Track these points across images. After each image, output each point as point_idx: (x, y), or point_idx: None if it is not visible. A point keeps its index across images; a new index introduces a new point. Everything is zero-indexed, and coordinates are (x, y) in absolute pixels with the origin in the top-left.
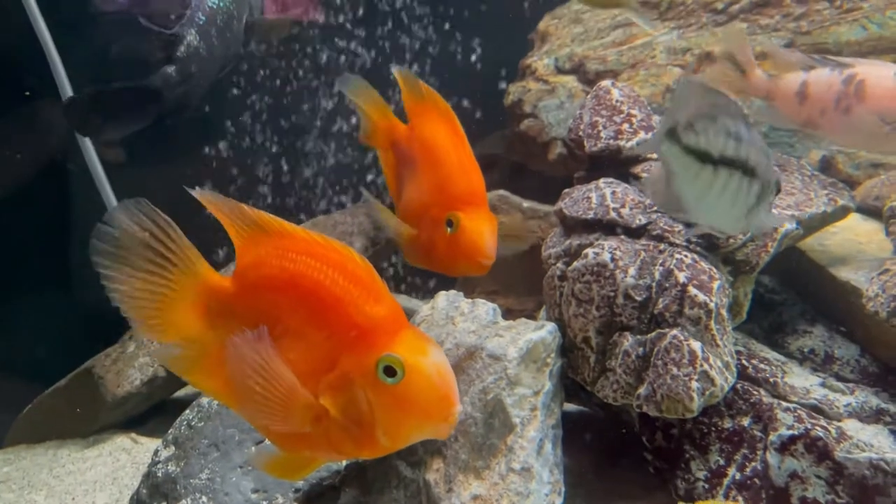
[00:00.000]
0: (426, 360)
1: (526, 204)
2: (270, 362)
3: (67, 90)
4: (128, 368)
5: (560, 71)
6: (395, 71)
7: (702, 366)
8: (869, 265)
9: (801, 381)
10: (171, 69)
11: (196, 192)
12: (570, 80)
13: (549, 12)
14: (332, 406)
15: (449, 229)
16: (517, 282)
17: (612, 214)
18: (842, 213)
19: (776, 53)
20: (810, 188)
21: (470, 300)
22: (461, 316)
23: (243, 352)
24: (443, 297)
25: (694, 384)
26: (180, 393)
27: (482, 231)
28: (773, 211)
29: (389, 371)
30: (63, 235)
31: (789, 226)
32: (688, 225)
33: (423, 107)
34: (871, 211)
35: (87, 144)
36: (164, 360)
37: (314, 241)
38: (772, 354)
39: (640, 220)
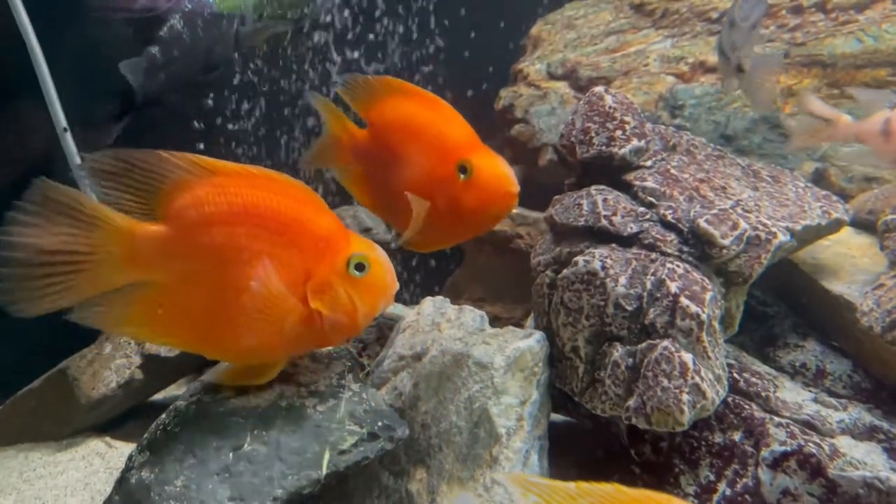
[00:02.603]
0: (378, 252)
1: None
2: (271, 282)
3: (50, 87)
4: (104, 370)
5: (552, 76)
6: (338, 89)
7: (693, 378)
8: (862, 279)
9: (793, 395)
10: (154, 50)
11: (100, 154)
12: (562, 86)
13: (542, 17)
14: (323, 307)
15: (462, 176)
16: (504, 289)
17: (604, 222)
18: (836, 226)
19: (859, 94)
20: (804, 200)
21: (457, 307)
22: (447, 322)
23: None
24: (429, 303)
25: (685, 397)
26: (158, 396)
27: (497, 163)
28: (768, 221)
29: (359, 266)
30: None
31: (783, 237)
32: (679, 235)
33: (375, 97)
34: (864, 224)
35: (69, 143)
36: (95, 320)
37: (251, 173)
38: (763, 368)
39: (632, 228)
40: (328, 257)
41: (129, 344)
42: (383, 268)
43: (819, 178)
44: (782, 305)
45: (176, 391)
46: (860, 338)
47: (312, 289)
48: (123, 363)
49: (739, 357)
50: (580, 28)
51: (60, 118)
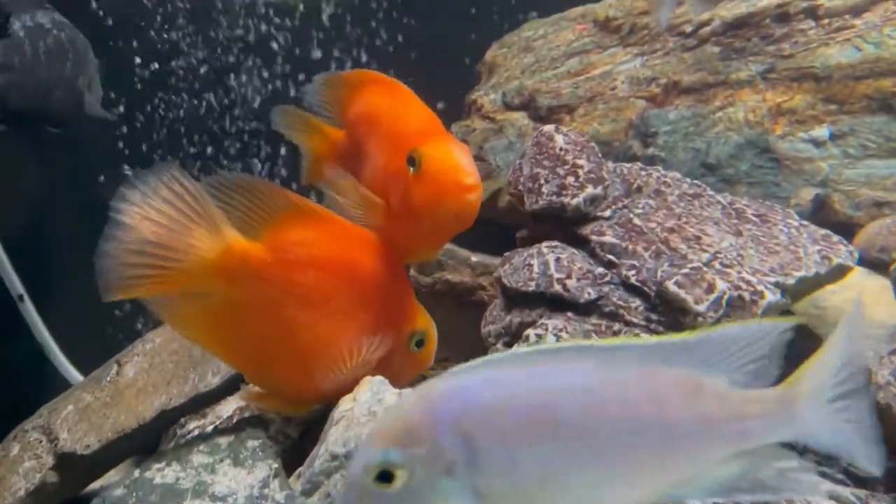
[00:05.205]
0: (434, 329)
1: (475, 258)
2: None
3: None
4: (10, 475)
5: (508, 107)
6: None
7: None
8: (877, 335)
9: None
10: None
11: (231, 175)
12: (520, 118)
13: (498, 40)
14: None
15: (412, 169)
16: (468, 346)
17: (557, 287)
18: (838, 273)
19: None
20: (798, 243)
21: (397, 391)
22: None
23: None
24: (366, 387)
25: None
26: (86, 490)
27: (450, 151)
28: (753, 278)
29: (419, 343)
30: None
31: (771, 297)
32: (646, 300)
33: (348, 93)
34: (875, 263)
35: None
36: (164, 312)
37: (355, 229)
38: None
39: (590, 293)
40: (396, 327)
41: (41, 443)
42: (434, 347)
43: (820, 207)
44: (784, 364)
45: (103, 482)
46: (879, 406)
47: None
48: (33, 465)
49: None
50: (539, 50)
51: None
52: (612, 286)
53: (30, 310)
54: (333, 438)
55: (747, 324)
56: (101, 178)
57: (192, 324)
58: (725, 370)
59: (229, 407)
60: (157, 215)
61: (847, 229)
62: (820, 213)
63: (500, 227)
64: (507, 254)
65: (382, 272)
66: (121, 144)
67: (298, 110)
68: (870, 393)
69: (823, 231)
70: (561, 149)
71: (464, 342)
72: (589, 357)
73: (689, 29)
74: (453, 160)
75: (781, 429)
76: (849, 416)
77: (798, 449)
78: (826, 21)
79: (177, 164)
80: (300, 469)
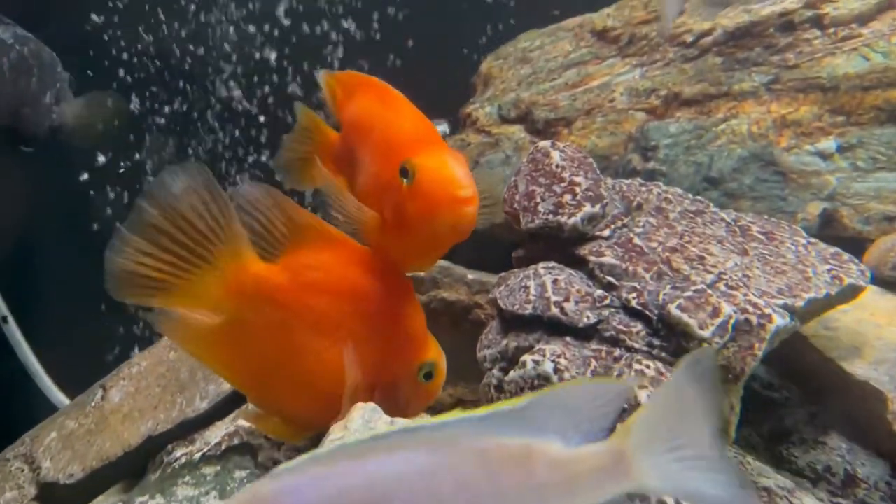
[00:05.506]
0: (444, 361)
1: (471, 275)
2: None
3: None
4: None
5: (504, 120)
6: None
7: None
8: (893, 358)
9: None
10: None
11: (257, 188)
12: (517, 131)
13: (493, 52)
14: (381, 402)
15: (405, 181)
16: (466, 367)
17: (554, 310)
18: (850, 293)
19: None
20: (807, 262)
21: (389, 418)
22: None
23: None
24: (358, 414)
25: None
26: None
27: (445, 162)
28: (760, 301)
29: (428, 375)
30: None
31: (780, 321)
32: (647, 324)
33: (345, 94)
34: (888, 282)
35: None
36: (167, 327)
37: (370, 256)
38: (774, 480)
39: (589, 317)
40: (405, 357)
41: (23, 472)
42: (443, 379)
43: (828, 221)
44: (793, 389)
45: None
46: None
47: (381, 385)
48: (14, 496)
49: (743, 464)
50: (536, 62)
51: None
52: (612, 310)
53: (14, 331)
54: None
55: (577, 384)
56: (88, 196)
57: (196, 340)
58: (559, 431)
59: (218, 432)
60: (181, 221)
61: (856, 244)
62: (828, 228)
63: (498, 243)
64: (502, 274)
65: (395, 301)
66: (106, 163)
67: (309, 109)
68: (717, 441)
69: (833, 249)
70: (557, 165)
71: (460, 363)
72: (420, 439)
73: (689, 39)
74: (448, 171)
75: (614, 482)
76: (692, 465)
77: (812, 476)
78: (832, 30)
79: (207, 169)
80: None
